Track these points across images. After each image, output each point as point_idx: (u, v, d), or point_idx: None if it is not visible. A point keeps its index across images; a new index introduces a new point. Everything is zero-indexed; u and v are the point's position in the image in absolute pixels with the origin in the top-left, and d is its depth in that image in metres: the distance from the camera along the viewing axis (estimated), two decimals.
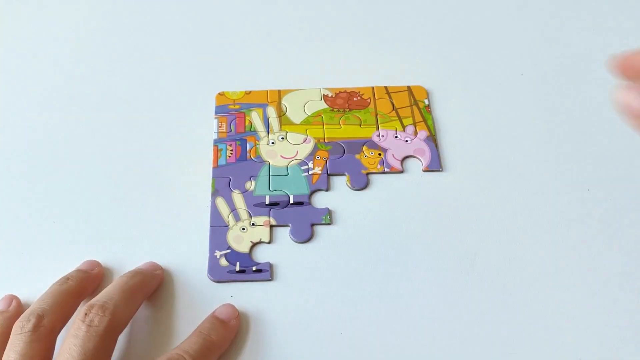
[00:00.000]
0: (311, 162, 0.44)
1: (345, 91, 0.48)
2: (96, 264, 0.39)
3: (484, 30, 0.52)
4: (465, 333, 0.37)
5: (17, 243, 0.41)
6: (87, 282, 0.38)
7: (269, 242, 0.40)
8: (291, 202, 0.42)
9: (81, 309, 0.34)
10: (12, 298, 0.38)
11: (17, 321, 0.34)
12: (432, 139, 0.45)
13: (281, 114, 0.46)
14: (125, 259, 0.40)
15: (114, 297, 0.34)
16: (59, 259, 0.40)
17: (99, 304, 0.34)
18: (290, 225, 0.41)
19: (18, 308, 0.37)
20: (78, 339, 0.32)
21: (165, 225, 0.41)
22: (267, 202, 0.41)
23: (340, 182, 0.43)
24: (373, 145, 0.44)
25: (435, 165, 0.43)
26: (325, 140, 0.45)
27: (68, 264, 0.38)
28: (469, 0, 0.54)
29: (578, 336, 0.37)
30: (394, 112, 0.46)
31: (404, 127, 0.45)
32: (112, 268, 0.39)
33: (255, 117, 0.46)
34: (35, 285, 0.38)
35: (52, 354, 0.33)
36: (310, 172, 0.43)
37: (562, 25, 0.53)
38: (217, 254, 0.39)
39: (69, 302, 0.36)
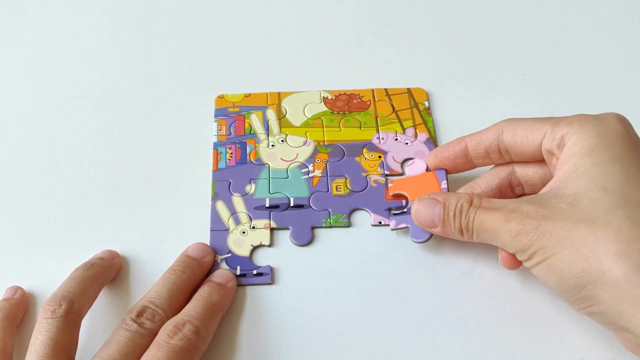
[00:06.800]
0: (311, 164, 0.43)
1: (345, 93, 0.47)
2: (115, 254, 0.39)
3: (484, 31, 0.52)
4: (466, 333, 0.37)
5: (18, 243, 0.41)
6: (108, 270, 0.38)
7: (270, 245, 0.40)
8: (291, 204, 0.41)
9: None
10: (17, 288, 0.38)
11: (46, 304, 0.34)
12: (433, 142, 0.45)
13: (281, 117, 0.46)
14: (125, 263, 0.40)
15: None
16: (59, 260, 0.40)
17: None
18: (290, 228, 0.41)
19: (23, 297, 0.38)
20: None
21: (166, 230, 0.41)
22: (267, 205, 0.41)
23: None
24: (373, 147, 0.44)
25: None
26: (325, 143, 0.45)
27: (68, 265, 0.38)
28: (469, 1, 0.54)
29: (580, 336, 0.36)
30: (394, 114, 0.46)
31: (404, 129, 0.45)
32: None
33: (255, 120, 0.46)
34: (36, 285, 0.39)
35: (78, 340, 0.34)
36: (310, 175, 0.43)
37: (562, 25, 0.53)
38: (218, 258, 0.39)
39: (94, 288, 0.37)
